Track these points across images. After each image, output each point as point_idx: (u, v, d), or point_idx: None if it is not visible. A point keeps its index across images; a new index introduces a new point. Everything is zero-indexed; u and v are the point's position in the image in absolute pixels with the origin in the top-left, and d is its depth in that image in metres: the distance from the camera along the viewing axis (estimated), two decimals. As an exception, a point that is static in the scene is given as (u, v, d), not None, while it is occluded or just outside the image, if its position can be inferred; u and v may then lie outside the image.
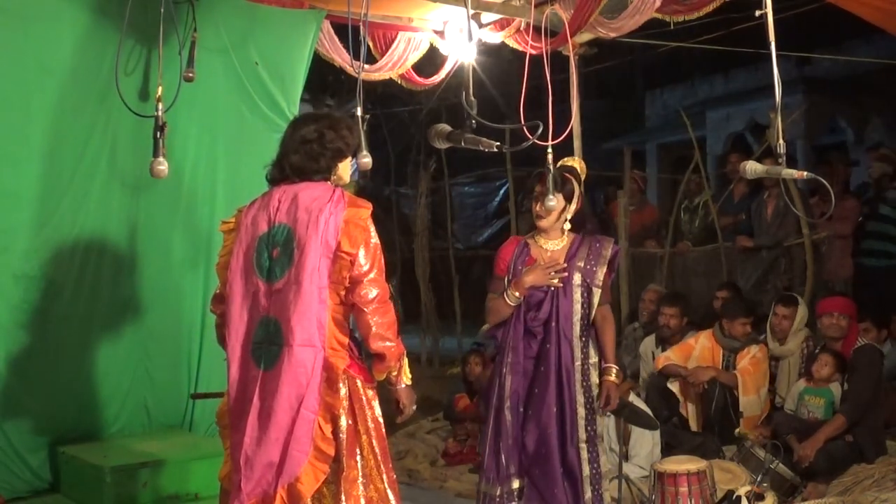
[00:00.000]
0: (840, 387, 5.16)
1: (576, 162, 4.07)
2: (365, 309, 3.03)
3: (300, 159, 3.08)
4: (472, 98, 3.28)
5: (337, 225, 2.99)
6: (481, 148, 3.31)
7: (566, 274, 3.81)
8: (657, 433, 5.13)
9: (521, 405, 3.85)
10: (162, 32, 3.98)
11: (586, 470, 3.78)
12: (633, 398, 5.14)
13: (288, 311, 2.98)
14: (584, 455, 3.79)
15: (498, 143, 3.32)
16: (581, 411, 3.80)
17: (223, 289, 3.16)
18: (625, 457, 4.89)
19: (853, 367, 5.09)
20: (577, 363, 3.81)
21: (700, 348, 5.78)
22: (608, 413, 3.97)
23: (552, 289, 3.82)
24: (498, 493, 3.81)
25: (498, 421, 3.87)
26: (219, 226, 3.26)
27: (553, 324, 3.81)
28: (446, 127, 3.43)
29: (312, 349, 2.99)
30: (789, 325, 5.79)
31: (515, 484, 3.84)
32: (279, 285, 3.01)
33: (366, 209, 3.05)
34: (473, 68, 4.20)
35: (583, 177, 4.00)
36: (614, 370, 3.85)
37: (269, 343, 3.00)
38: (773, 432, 5.17)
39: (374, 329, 3.05)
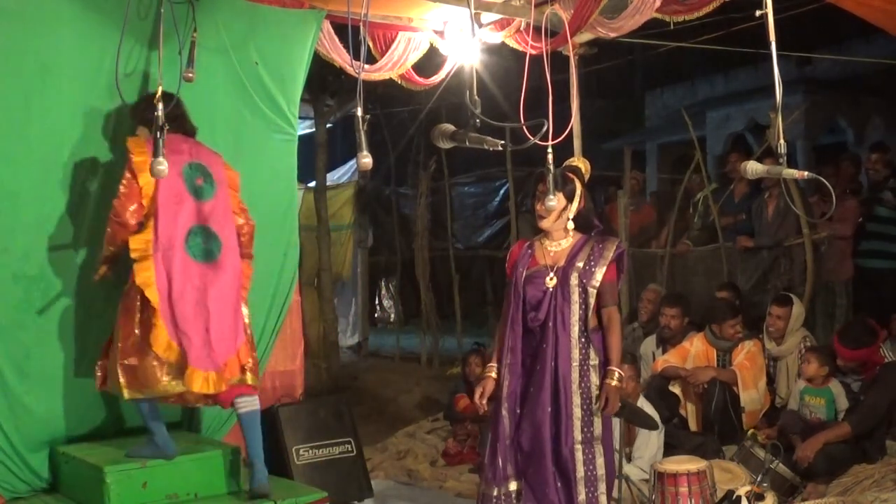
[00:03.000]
0: (840, 385, 5.14)
1: (580, 162, 4.07)
2: (247, 219, 4.38)
3: (190, 126, 4.34)
4: (476, 97, 3.27)
5: (228, 172, 4.36)
6: (485, 147, 3.30)
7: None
8: (662, 436, 5.13)
9: (517, 406, 3.84)
10: (162, 32, 3.97)
11: (581, 471, 3.73)
12: (641, 401, 5.13)
13: (220, 223, 4.17)
14: (579, 456, 3.74)
15: (503, 142, 3.30)
16: (577, 412, 3.75)
17: (149, 199, 4.05)
18: (627, 457, 4.89)
19: (876, 379, 5.04)
20: (575, 364, 3.77)
21: (695, 350, 5.79)
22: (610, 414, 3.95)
23: (550, 289, 3.81)
24: (495, 493, 3.81)
25: (496, 422, 3.86)
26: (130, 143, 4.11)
27: (551, 324, 3.79)
28: (450, 126, 3.41)
29: (238, 252, 4.24)
30: (784, 325, 5.79)
31: (513, 485, 3.83)
32: (209, 205, 4.15)
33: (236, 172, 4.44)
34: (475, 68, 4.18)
35: (587, 177, 3.99)
36: (616, 373, 3.76)
37: (206, 243, 4.10)
38: (780, 431, 5.16)
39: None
